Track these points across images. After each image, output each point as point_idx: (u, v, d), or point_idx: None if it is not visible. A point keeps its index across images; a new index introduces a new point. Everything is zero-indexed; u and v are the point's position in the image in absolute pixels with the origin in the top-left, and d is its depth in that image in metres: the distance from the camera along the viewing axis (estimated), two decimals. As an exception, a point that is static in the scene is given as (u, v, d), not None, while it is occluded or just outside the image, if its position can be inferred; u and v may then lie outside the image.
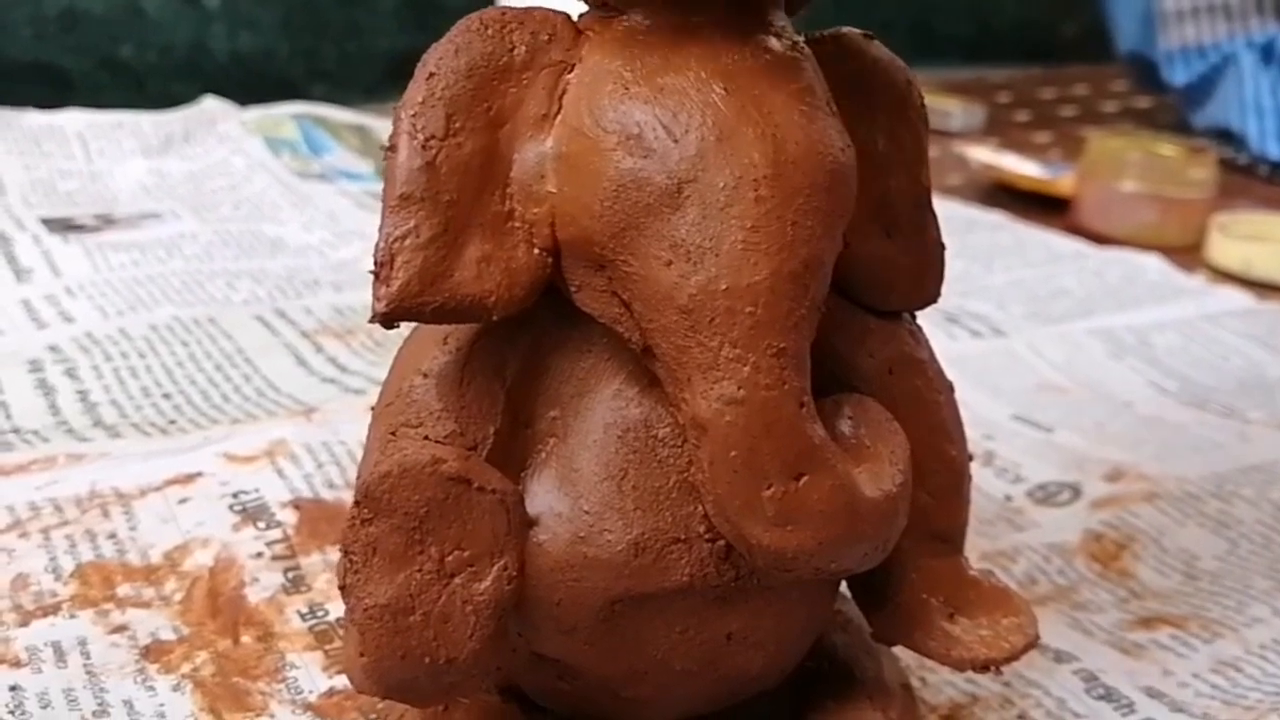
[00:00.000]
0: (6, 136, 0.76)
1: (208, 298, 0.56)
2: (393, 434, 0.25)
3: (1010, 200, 0.84)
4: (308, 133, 0.82)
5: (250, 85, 0.94)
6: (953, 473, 0.29)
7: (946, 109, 1.05)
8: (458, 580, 0.23)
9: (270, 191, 0.72)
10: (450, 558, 0.23)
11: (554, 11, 0.24)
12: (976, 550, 0.40)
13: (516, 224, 0.24)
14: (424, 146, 0.23)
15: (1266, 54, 0.99)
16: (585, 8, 0.25)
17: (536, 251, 0.24)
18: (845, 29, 0.27)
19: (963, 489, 0.29)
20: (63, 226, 0.65)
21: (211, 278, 0.59)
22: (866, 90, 0.27)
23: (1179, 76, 1.07)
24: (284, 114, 0.84)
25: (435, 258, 0.23)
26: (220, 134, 0.80)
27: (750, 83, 0.23)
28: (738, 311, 0.22)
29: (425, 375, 0.25)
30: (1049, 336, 0.59)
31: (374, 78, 1.05)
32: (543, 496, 0.25)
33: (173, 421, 0.45)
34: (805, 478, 0.23)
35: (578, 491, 0.24)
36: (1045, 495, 0.45)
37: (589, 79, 0.24)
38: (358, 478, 0.25)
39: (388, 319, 0.23)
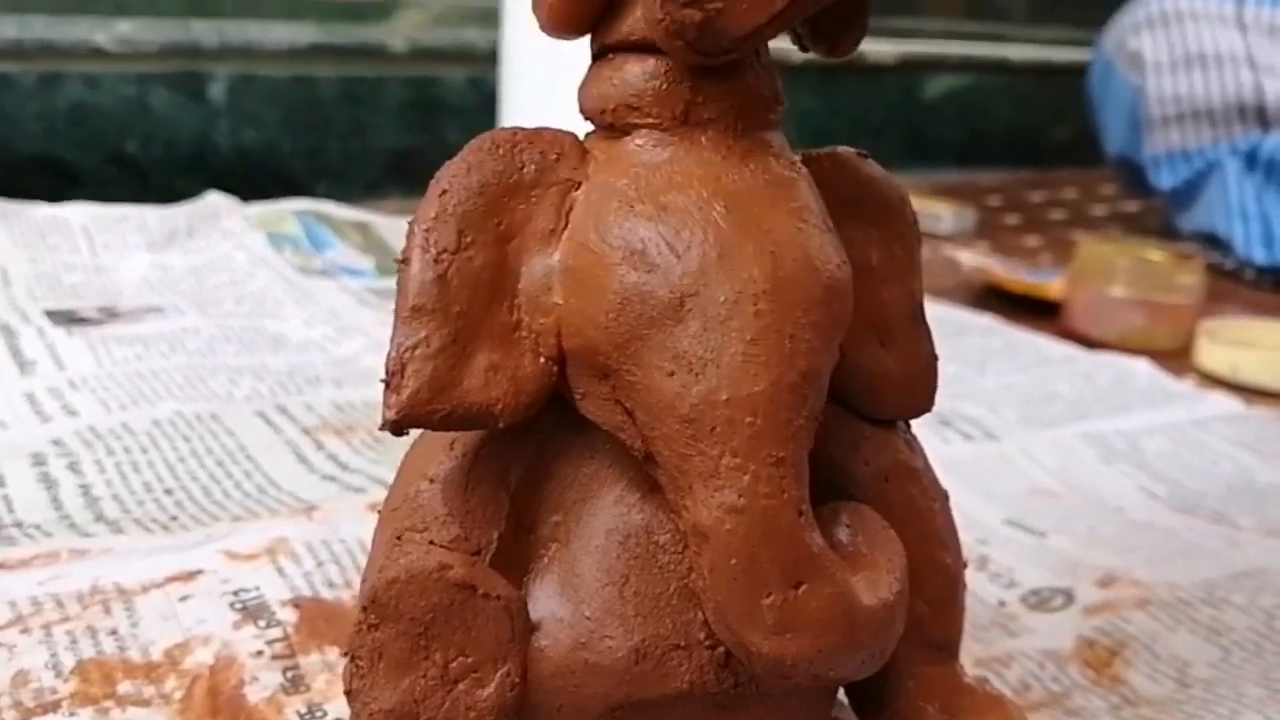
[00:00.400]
0: (13, 229, 0.77)
1: (210, 393, 0.57)
2: (399, 538, 0.25)
3: (1001, 303, 0.85)
4: (310, 228, 0.84)
5: (254, 181, 0.96)
6: (948, 581, 0.29)
7: (937, 212, 1.07)
8: (461, 686, 0.23)
9: (273, 287, 0.73)
10: (454, 664, 0.23)
11: (562, 132, 0.25)
12: (971, 656, 0.40)
13: (524, 334, 0.24)
14: (436, 260, 0.24)
15: (1250, 160, 1.01)
16: (592, 128, 0.26)
17: (542, 360, 0.24)
18: (841, 148, 0.28)
19: (958, 596, 0.29)
20: (67, 319, 0.65)
21: (214, 373, 0.59)
22: (861, 206, 0.28)
23: (1165, 180, 1.09)
24: (286, 210, 0.85)
25: (444, 367, 0.24)
26: (223, 229, 0.81)
27: (750, 201, 0.24)
28: (738, 421, 0.23)
29: (431, 480, 0.26)
30: (1041, 441, 0.60)
31: (376, 175, 1.07)
32: (545, 601, 0.25)
33: (174, 518, 0.46)
34: (804, 586, 0.23)
35: (579, 597, 0.25)
36: (1039, 600, 0.45)
37: (595, 197, 0.24)
38: (363, 581, 0.26)
39: (397, 426, 0.23)
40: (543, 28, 0.25)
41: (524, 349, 0.24)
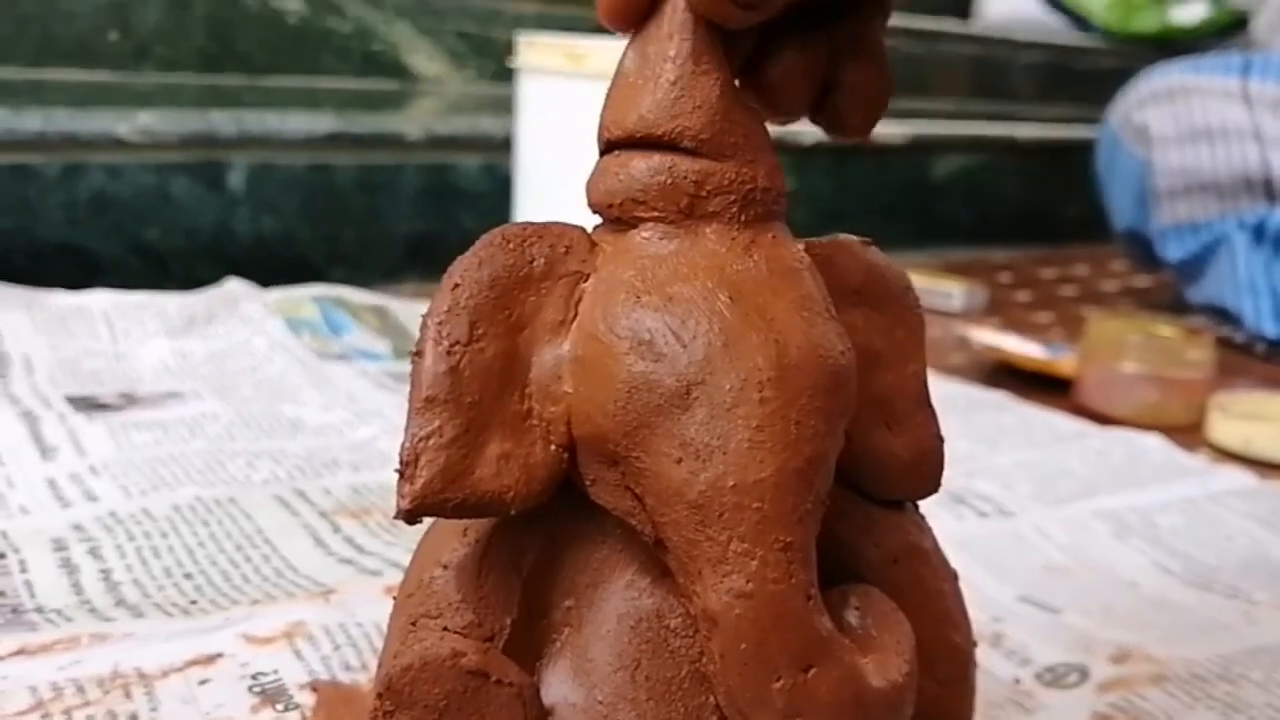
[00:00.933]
0: (36, 316, 0.78)
1: (229, 478, 0.57)
2: (413, 624, 0.26)
3: (1012, 380, 0.85)
4: (327, 313, 0.85)
5: (272, 268, 0.97)
6: (958, 661, 0.29)
7: (948, 290, 1.07)
8: (475, 772, 0.24)
9: (290, 372, 0.74)
10: (469, 750, 0.24)
11: (571, 226, 0.26)
12: (985, 735, 0.40)
13: (534, 422, 0.25)
14: (449, 352, 0.24)
15: (1258, 234, 1.02)
16: (600, 221, 0.27)
17: (553, 448, 0.25)
18: (843, 236, 0.29)
19: (969, 677, 0.30)
20: (87, 405, 0.66)
21: (232, 458, 0.60)
22: (865, 293, 0.29)
23: (1173, 253, 1.10)
24: (305, 295, 0.87)
25: (457, 456, 0.24)
26: (242, 315, 0.82)
27: (754, 291, 0.25)
28: (745, 507, 0.23)
29: (445, 567, 0.26)
30: (1054, 518, 0.60)
31: (393, 261, 1.08)
32: (557, 686, 0.25)
33: (194, 602, 0.46)
34: (814, 669, 0.24)
35: (591, 682, 0.25)
36: (1053, 677, 0.45)
37: (603, 288, 0.25)
38: (379, 667, 0.26)
39: (412, 515, 0.24)
40: (602, 20, 0.26)
41: (535, 437, 0.25)
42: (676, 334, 0.24)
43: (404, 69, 1.16)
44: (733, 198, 0.25)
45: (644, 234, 0.26)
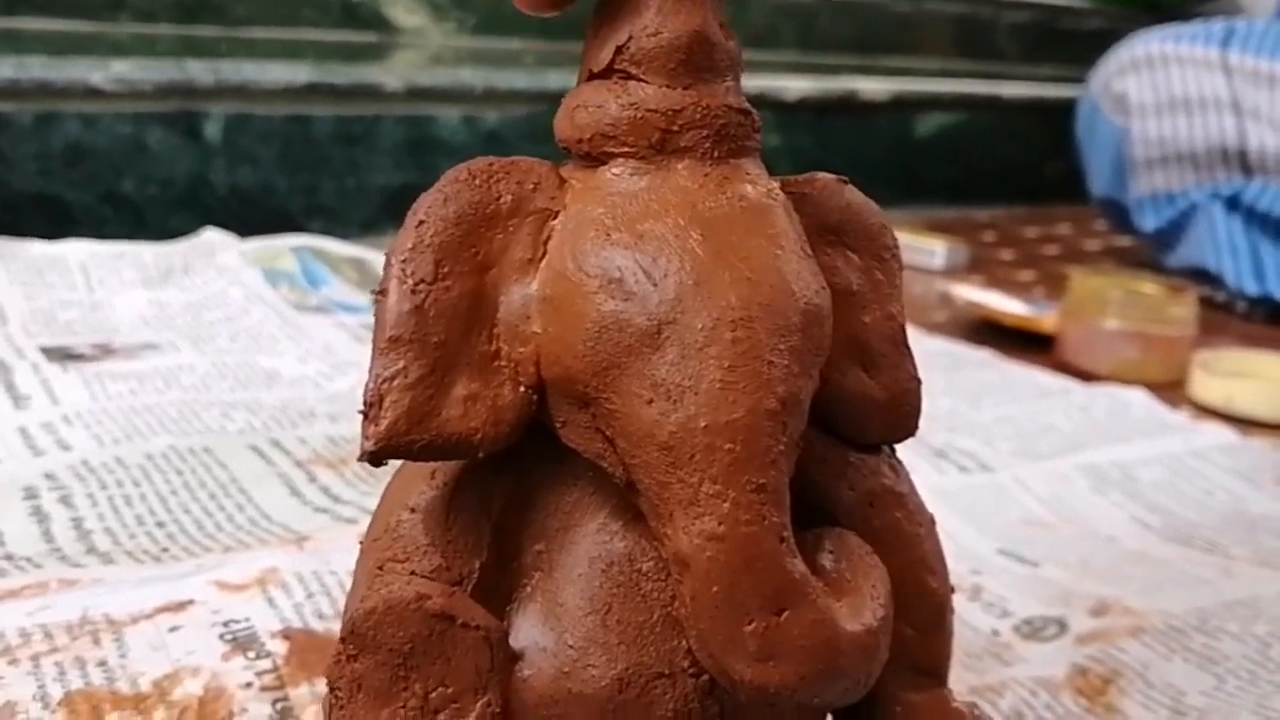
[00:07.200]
0: (10, 266, 0.77)
1: (204, 428, 0.57)
2: (379, 569, 0.25)
3: (995, 337, 0.85)
4: (306, 265, 0.84)
5: (249, 219, 0.96)
6: (934, 605, 0.29)
7: (931, 248, 1.07)
8: (441, 717, 0.23)
9: (268, 323, 0.73)
10: (434, 694, 0.23)
11: (539, 161, 0.26)
12: (964, 684, 0.40)
13: (502, 363, 0.24)
14: (413, 291, 0.24)
15: (1231, 205, 1.02)
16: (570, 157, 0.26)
17: (522, 389, 0.24)
18: (820, 174, 0.28)
19: (945, 622, 0.29)
20: (62, 355, 0.66)
21: (207, 408, 0.59)
22: (842, 232, 0.28)
23: (1149, 222, 1.10)
24: (283, 246, 0.86)
25: (423, 397, 0.24)
26: (219, 265, 0.81)
27: (726, 229, 0.24)
28: (717, 448, 0.23)
29: (412, 510, 0.26)
30: (1036, 472, 0.60)
31: (371, 213, 1.07)
32: (528, 631, 0.25)
33: (165, 549, 0.45)
34: (786, 612, 0.23)
35: (562, 626, 0.25)
36: (1032, 630, 0.45)
37: (572, 225, 0.25)
38: (345, 611, 0.26)
39: (376, 457, 0.23)
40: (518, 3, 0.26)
41: (503, 378, 0.24)
42: (647, 272, 0.23)
43: (384, 21, 1.14)
44: (705, 132, 0.25)
45: (614, 170, 0.25)
